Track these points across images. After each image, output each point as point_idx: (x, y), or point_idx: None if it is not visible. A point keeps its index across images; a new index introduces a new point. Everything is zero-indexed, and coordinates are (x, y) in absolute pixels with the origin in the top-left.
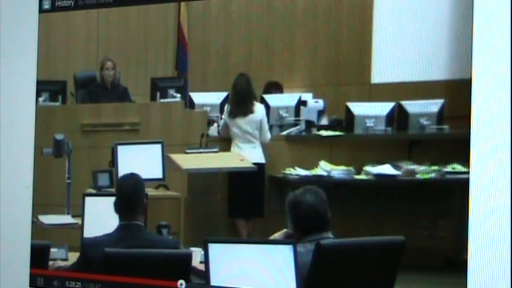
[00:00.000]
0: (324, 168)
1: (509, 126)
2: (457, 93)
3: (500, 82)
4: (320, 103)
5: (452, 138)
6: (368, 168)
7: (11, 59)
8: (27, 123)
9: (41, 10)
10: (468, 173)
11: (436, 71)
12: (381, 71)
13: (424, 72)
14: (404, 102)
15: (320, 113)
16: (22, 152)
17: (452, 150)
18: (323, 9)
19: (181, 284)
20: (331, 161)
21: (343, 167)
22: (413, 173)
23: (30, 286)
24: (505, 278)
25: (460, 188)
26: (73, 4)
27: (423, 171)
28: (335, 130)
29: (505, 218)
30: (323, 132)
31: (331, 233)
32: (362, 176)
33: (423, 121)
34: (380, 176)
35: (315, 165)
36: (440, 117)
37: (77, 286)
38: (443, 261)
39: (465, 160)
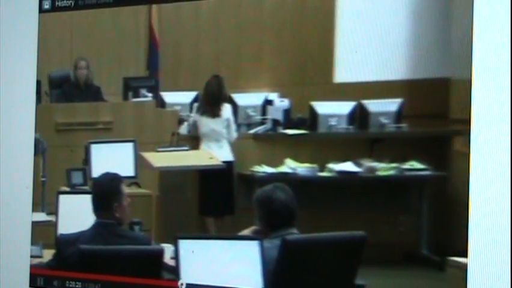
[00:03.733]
0: (289, 165)
1: (509, 126)
2: (414, 93)
3: (500, 82)
4: (286, 102)
5: (410, 136)
6: (331, 165)
7: (10, 58)
8: (27, 123)
9: (41, 10)
10: (425, 169)
11: (395, 70)
12: (344, 71)
13: (384, 72)
14: (364, 102)
15: (286, 112)
16: (22, 152)
17: (410, 148)
18: (288, 10)
19: (182, 284)
20: (296, 158)
21: (307, 165)
22: (373, 170)
23: (30, 286)
24: (504, 279)
25: (418, 185)
26: (73, 4)
27: (383, 168)
28: (299, 129)
29: (505, 219)
30: (289, 131)
31: (296, 229)
32: (325, 173)
33: (383, 120)
34: (342, 173)
35: (281, 162)
36: (399, 116)
37: (77, 286)
38: (403, 255)
39: (422, 157)
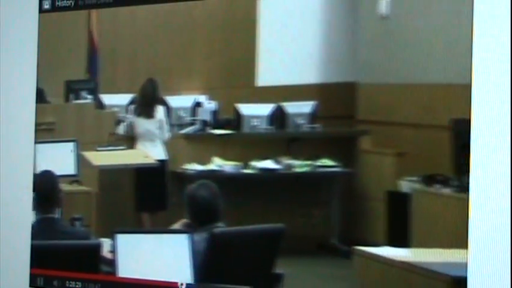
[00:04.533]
0: (216, 163)
1: (509, 126)
2: (326, 95)
3: (500, 82)
4: (213, 104)
5: (322, 136)
6: (254, 163)
7: (11, 59)
8: (27, 123)
9: (41, 10)
10: (336, 166)
11: (310, 75)
12: (265, 76)
13: (300, 77)
14: (283, 104)
15: (214, 114)
16: (22, 152)
17: (322, 147)
18: (216, 20)
19: (182, 284)
20: (223, 156)
21: (233, 162)
22: (290, 167)
23: (30, 286)
24: (504, 280)
25: (329, 180)
26: (73, 4)
27: (299, 165)
28: (226, 129)
29: (505, 219)
30: (216, 131)
31: (223, 222)
32: (248, 170)
33: (299, 120)
34: (263, 170)
35: (209, 160)
36: (313, 117)
37: (77, 286)
38: (316, 245)
39: (333, 155)
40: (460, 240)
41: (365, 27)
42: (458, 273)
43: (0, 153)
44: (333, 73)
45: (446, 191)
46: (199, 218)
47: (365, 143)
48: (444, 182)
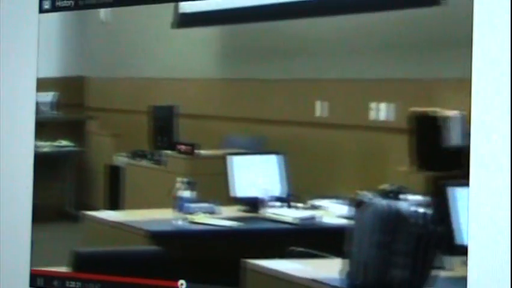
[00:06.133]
0: None
1: (509, 126)
2: (63, 87)
3: (500, 81)
4: None
5: (61, 121)
6: None
7: (11, 59)
8: (27, 123)
9: (41, 10)
10: (71, 146)
11: (52, 69)
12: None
13: (45, 71)
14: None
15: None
16: (22, 152)
17: (61, 130)
18: None
19: (182, 284)
20: None
21: None
22: (38, 148)
23: (30, 286)
24: (504, 280)
25: (66, 158)
26: (73, 4)
27: (45, 146)
28: None
29: (504, 218)
30: None
31: None
32: None
33: (44, 108)
34: None
35: None
36: (54, 105)
37: (77, 286)
38: (56, 213)
39: (69, 137)
40: (161, 202)
41: (91, 31)
42: (156, 228)
43: (0, 153)
44: (69, 68)
45: (146, 163)
46: None
47: (91, 126)
48: (144, 156)
